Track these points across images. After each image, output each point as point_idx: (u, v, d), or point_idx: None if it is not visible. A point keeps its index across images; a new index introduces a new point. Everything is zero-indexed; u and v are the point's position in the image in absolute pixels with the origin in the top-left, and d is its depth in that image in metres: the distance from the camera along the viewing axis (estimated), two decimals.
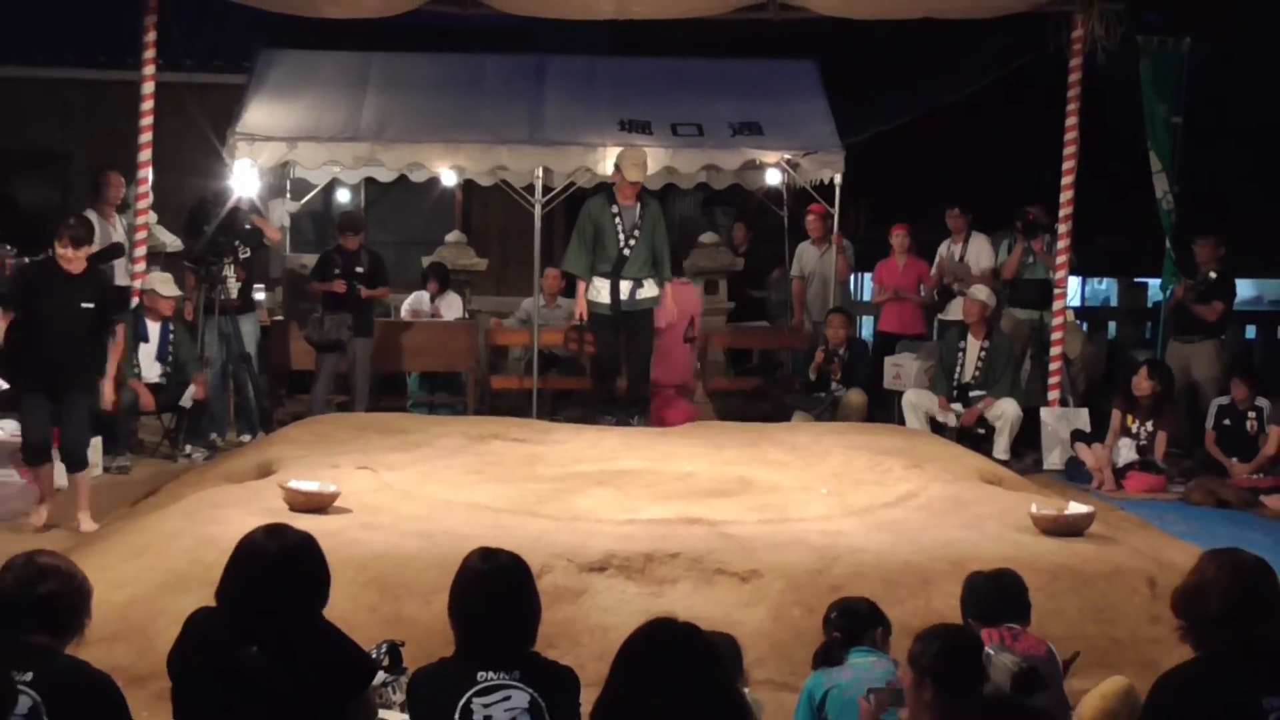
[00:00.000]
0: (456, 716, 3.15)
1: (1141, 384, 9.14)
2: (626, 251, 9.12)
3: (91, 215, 9.86)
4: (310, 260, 10.91)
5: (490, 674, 3.21)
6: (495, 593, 3.37)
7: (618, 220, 9.13)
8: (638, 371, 9.48)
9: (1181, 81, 10.27)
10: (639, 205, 9.22)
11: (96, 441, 8.58)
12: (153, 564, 5.33)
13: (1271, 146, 17.34)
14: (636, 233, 9.14)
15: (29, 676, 3.12)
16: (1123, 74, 10.17)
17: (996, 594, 4.25)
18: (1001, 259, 10.68)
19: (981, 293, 9.90)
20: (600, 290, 9.19)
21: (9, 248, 10.64)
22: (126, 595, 5.04)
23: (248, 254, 9.84)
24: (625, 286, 9.17)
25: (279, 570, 3.32)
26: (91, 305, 7.07)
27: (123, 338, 7.58)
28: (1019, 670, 3.69)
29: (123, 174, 9.96)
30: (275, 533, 3.43)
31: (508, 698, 3.18)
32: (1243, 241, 11.34)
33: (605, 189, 9.43)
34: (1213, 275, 10.04)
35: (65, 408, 7.12)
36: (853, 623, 4.11)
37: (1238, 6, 17.83)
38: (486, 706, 3.17)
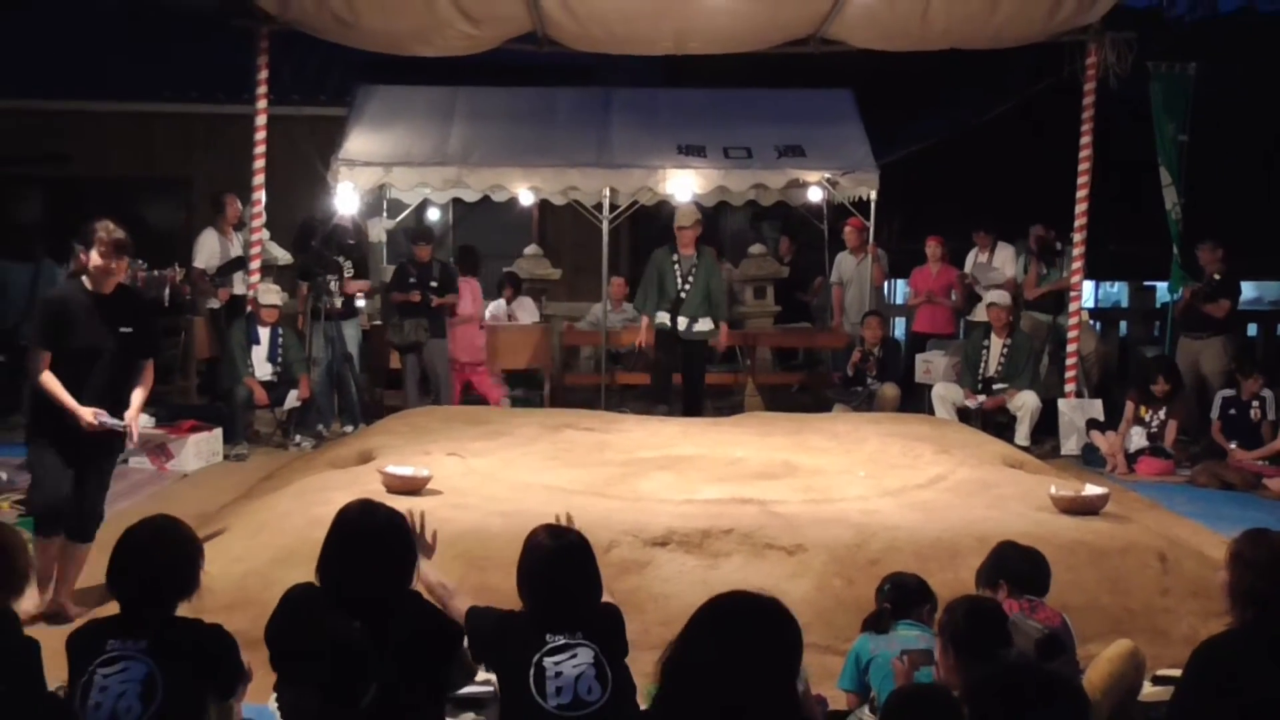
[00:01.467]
0: (532, 674, 3.18)
1: (1160, 386, 9.07)
2: (683, 294, 9.57)
3: (213, 232, 10.04)
4: None
5: (557, 636, 3.25)
6: (562, 567, 3.38)
7: (676, 267, 9.63)
8: (692, 387, 9.79)
9: (1188, 103, 10.12)
10: (696, 254, 9.63)
11: (217, 432, 8.72)
12: (267, 541, 5.38)
13: (1270, 161, 17.04)
14: (692, 276, 9.57)
15: (143, 644, 3.11)
16: (1133, 96, 10.01)
17: (1024, 564, 4.19)
18: (1019, 272, 10.70)
19: (1003, 299, 9.84)
20: (663, 318, 9.63)
21: (140, 263, 10.83)
22: (244, 568, 5.09)
23: (351, 270, 9.94)
24: (683, 321, 9.61)
25: (371, 544, 3.23)
26: (130, 330, 5.19)
27: (150, 376, 5.40)
28: (1041, 636, 3.65)
29: (239, 196, 10.10)
30: (367, 510, 3.32)
31: (574, 655, 3.23)
32: (1244, 247, 11.14)
33: (669, 241, 9.80)
34: (1217, 277, 9.90)
35: (84, 463, 5.23)
36: (903, 596, 4.05)
37: (1237, 34, 17.57)
38: (557, 664, 3.21)
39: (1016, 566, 4.15)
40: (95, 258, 5.04)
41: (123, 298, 5.23)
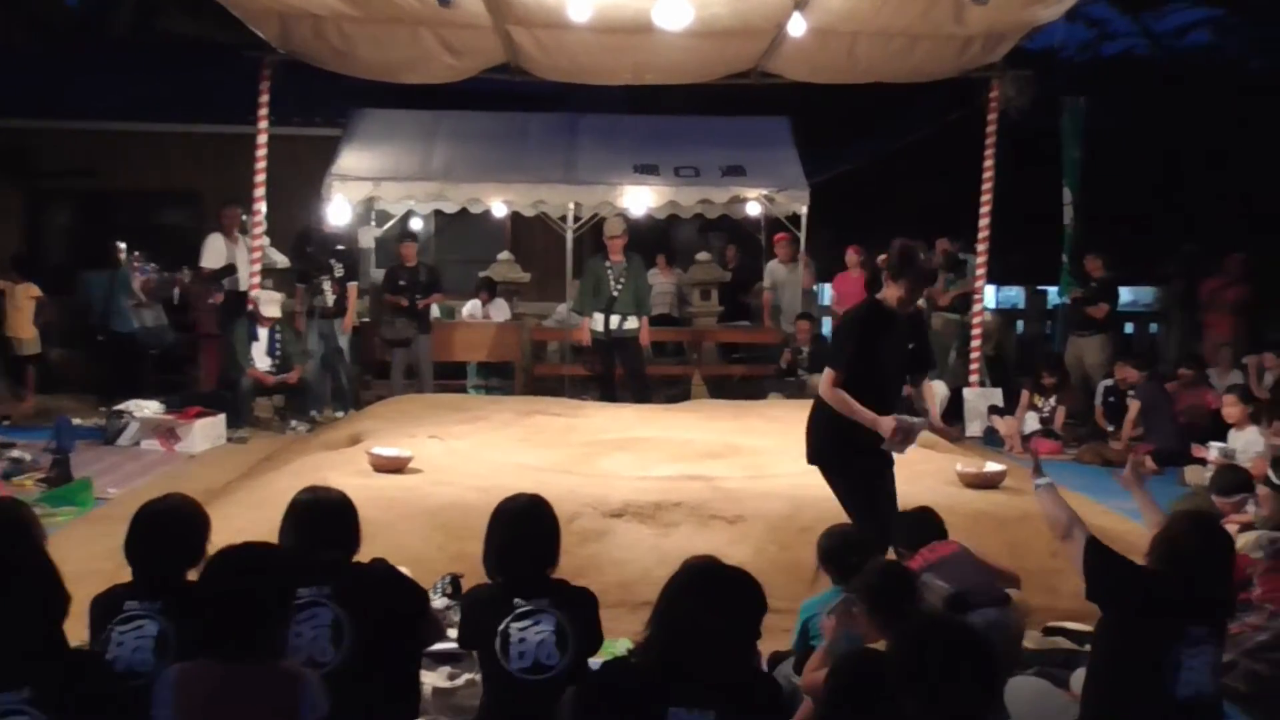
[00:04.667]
0: (499, 639, 3.07)
1: (1047, 379, 9.19)
2: (615, 294, 9.49)
3: (219, 236, 9.89)
4: None
5: (524, 601, 3.12)
6: (523, 527, 3.29)
7: (609, 271, 9.53)
8: (636, 377, 9.72)
9: (1081, 130, 10.23)
10: (625, 260, 9.56)
11: (221, 417, 8.59)
12: (268, 515, 5.20)
13: (1148, 184, 17.27)
14: (622, 280, 9.51)
15: (158, 605, 3.03)
16: (1031, 125, 10.11)
17: (906, 527, 4.26)
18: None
19: None
20: (597, 321, 9.55)
21: (153, 266, 10.66)
22: (246, 539, 5.00)
23: (342, 272, 9.83)
24: (614, 319, 9.52)
25: (324, 515, 3.33)
26: (914, 345, 4.62)
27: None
28: (949, 594, 3.66)
29: (242, 208, 9.96)
30: (313, 492, 3.46)
31: (538, 622, 3.09)
32: (1125, 257, 11.29)
33: (602, 250, 9.75)
34: (1093, 284, 10.04)
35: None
36: (841, 565, 4.04)
37: (1120, 73, 17.76)
38: (522, 630, 3.07)
39: (903, 532, 4.18)
40: (905, 288, 4.43)
41: (914, 316, 4.66)
